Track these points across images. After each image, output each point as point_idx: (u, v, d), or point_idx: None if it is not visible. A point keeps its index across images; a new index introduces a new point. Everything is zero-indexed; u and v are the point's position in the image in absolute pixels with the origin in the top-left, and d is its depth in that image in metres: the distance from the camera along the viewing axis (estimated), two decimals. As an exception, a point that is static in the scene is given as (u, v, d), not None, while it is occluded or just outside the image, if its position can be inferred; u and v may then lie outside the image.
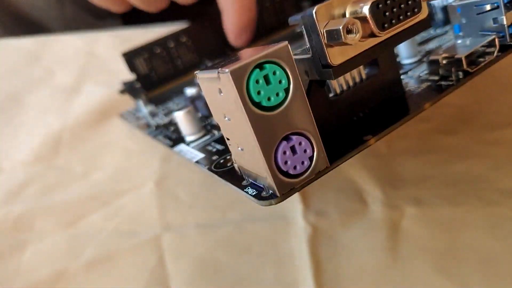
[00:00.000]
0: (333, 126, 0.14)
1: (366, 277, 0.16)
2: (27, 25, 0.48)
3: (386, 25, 0.12)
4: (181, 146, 0.19)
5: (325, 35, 0.11)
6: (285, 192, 0.12)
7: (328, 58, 0.12)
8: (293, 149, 0.11)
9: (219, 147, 0.17)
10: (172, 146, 0.19)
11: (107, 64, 0.40)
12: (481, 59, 0.15)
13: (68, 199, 0.23)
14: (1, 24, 0.48)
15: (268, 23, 0.30)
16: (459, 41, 0.16)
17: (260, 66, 0.10)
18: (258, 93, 0.10)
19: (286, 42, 0.11)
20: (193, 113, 0.18)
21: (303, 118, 0.11)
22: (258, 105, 0.11)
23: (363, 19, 0.11)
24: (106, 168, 0.25)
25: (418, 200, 0.18)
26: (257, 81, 0.10)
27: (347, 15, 0.12)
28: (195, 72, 0.12)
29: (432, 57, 0.15)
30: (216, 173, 0.15)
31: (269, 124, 0.11)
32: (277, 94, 0.11)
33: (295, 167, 0.11)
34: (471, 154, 0.19)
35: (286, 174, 0.11)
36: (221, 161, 0.15)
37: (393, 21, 0.12)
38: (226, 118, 0.12)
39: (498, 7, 0.14)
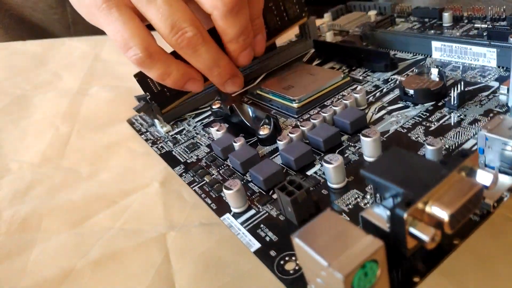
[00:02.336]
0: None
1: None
2: (31, 29, 0.49)
3: (455, 225, 0.13)
4: (230, 219, 0.19)
5: (409, 231, 0.13)
6: None
7: (406, 247, 0.13)
8: None
9: (271, 235, 0.17)
10: (216, 210, 0.20)
11: (113, 67, 0.40)
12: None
13: (74, 199, 0.24)
14: (5, 28, 0.49)
15: (271, 24, 0.30)
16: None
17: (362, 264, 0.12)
18: (358, 284, 0.12)
19: (382, 243, 0.12)
20: (242, 190, 0.19)
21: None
22: None
23: (439, 219, 0.13)
24: (112, 169, 0.26)
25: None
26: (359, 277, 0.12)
27: (426, 210, 0.13)
28: (292, 236, 0.12)
29: None
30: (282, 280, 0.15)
31: None
32: (370, 281, 0.12)
33: None
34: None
35: None
36: (281, 262, 0.16)
37: (460, 221, 0.13)
38: (319, 280, 0.12)
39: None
